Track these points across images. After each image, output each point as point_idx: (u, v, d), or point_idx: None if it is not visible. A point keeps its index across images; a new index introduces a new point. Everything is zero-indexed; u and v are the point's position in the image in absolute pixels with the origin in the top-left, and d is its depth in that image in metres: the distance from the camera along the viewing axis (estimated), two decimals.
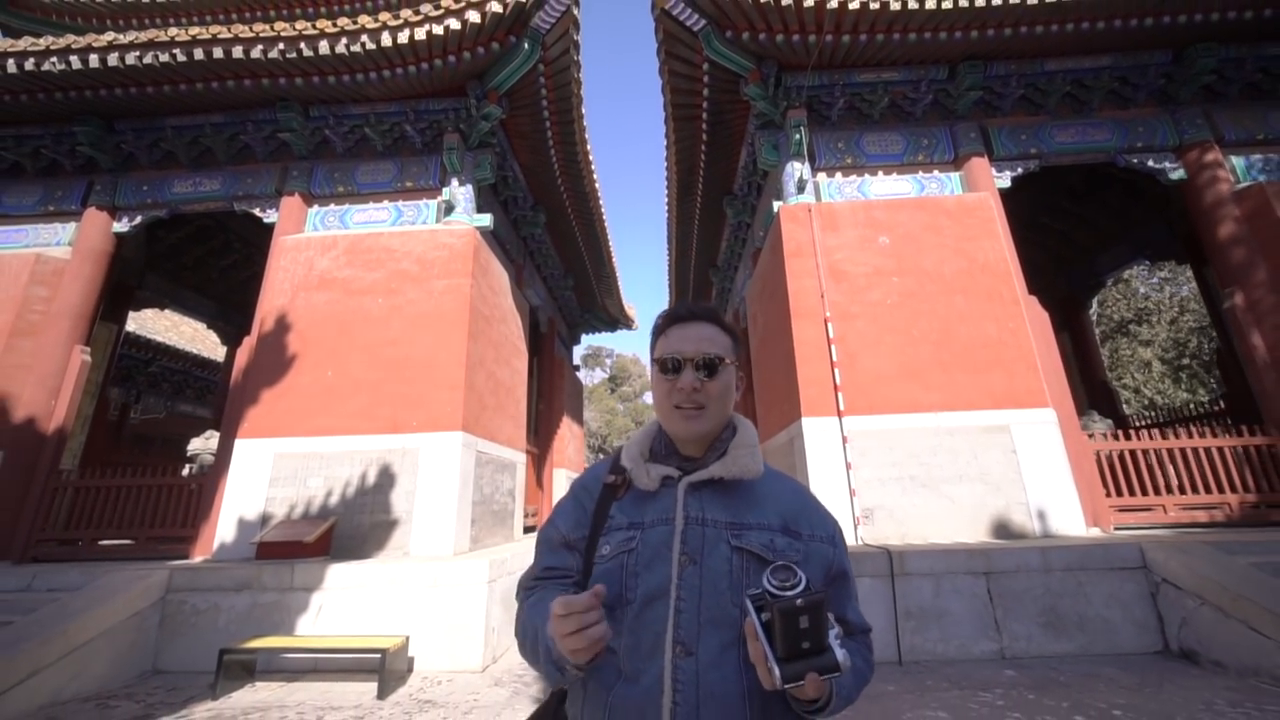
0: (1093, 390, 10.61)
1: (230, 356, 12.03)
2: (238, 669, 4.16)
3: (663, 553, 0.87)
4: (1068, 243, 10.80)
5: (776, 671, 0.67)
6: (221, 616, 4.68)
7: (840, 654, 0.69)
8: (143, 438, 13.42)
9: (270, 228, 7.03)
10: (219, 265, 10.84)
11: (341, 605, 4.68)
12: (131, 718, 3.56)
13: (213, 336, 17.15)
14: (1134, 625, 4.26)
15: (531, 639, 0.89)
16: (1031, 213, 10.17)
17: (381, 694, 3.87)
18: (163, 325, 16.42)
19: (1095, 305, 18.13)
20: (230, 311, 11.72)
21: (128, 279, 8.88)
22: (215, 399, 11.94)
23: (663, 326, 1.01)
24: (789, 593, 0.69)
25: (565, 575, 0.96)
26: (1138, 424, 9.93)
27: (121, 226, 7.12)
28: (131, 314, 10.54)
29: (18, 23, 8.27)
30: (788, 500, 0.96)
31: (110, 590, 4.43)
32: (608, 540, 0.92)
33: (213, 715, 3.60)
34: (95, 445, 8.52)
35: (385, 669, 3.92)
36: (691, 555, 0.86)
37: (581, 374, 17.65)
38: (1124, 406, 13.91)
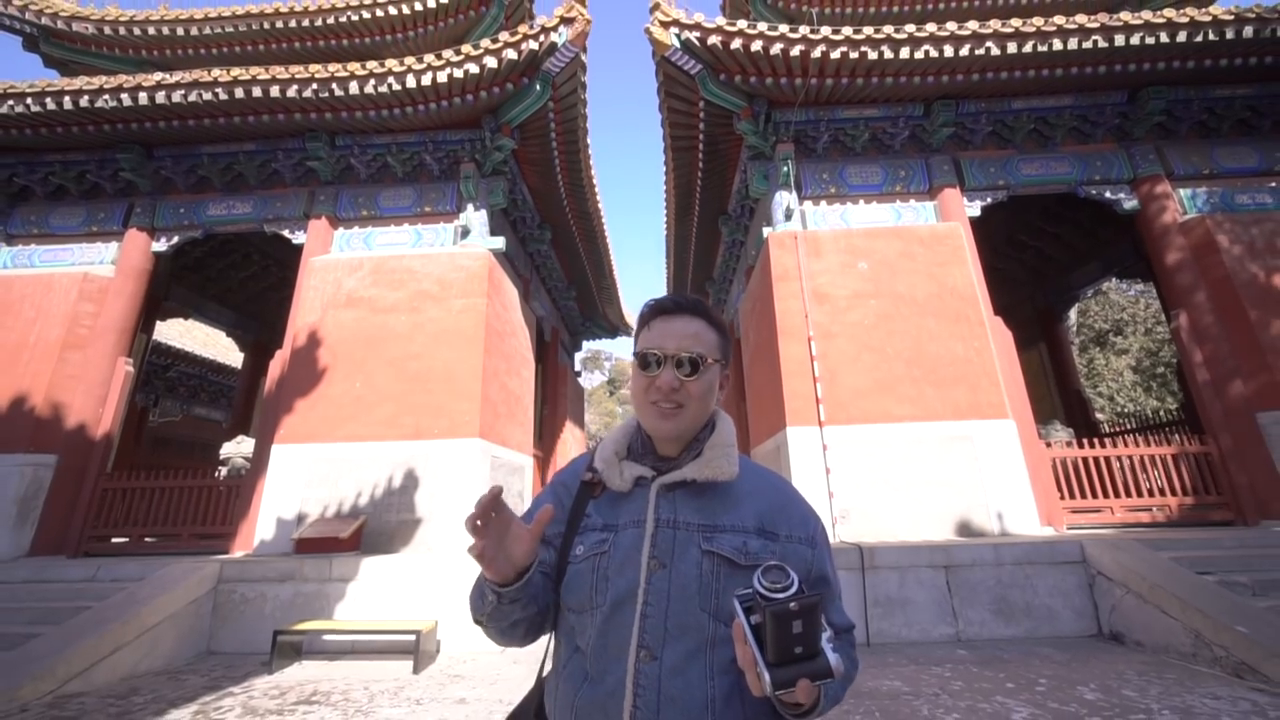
0: (1067, 398, 11.22)
1: (248, 363, 12.59)
2: (288, 649, 4.73)
3: (633, 556, 0.86)
4: (1044, 259, 11.41)
5: (766, 677, 0.64)
6: (268, 604, 5.25)
7: (834, 658, 0.66)
8: (161, 440, 13.96)
9: (290, 243, 7.64)
10: (238, 277, 11.39)
11: (374, 594, 5.26)
12: (202, 688, 4.12)
13: (223, 341, 17.73)
14: (1073, 612, 4.86)
15: (476, 587, 0.90)
16: (1010, 231, 10.80)
17: (416, 670, 4.44)
18: (176, 331, 16.93)
19: (1077, 316, 18.83)
20: (248, 320, 12.29)
21: (156, 291, 9.38)
22: (235, 403, 12.47)
23: (647, 317, 0.96)
24: (781, 595, 0.66)
25: (539, 566, 0.90)
26: (1108, 431, 10.57)
27: (160, 246, 7.69)
28: None
29: (59, 52, 8.82)
30: (767, 499, 0.92)
31: (171, 580, 5.00)
32: (582, 540, 0.91)
33: (272, 686, 4.17)
34: (124, 448, 9.07)
35: (419, 648, 4.50)
36: (661, 559, 0.85)
37: (581, 377, 18.23)
38: (1098, 414, 14.58)
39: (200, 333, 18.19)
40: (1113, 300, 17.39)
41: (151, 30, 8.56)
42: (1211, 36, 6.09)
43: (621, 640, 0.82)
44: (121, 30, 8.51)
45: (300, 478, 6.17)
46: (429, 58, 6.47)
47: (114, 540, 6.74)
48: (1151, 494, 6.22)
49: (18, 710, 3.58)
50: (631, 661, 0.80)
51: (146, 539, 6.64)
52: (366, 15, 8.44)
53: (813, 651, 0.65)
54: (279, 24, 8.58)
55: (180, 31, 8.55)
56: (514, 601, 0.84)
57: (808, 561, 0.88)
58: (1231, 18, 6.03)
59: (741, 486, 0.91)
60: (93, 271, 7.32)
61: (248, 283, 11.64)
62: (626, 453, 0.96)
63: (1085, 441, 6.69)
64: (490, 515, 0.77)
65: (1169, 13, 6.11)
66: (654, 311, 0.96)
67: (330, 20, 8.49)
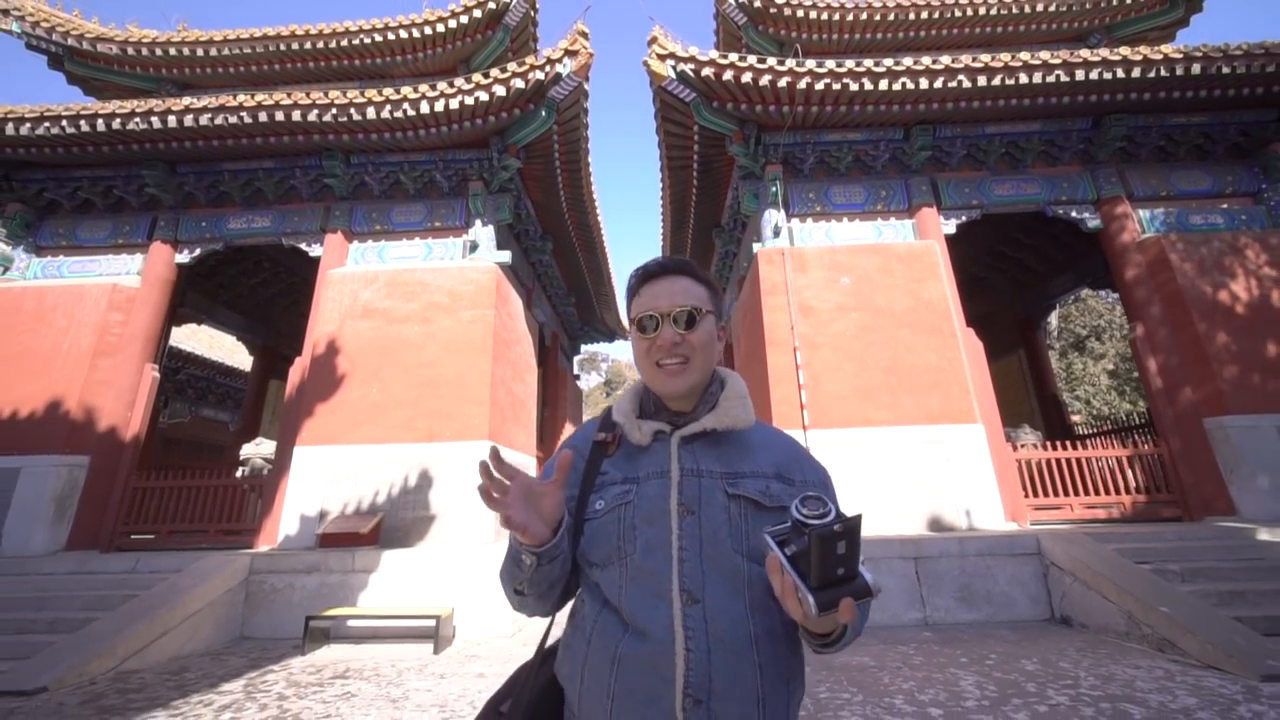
0: (1044, 402, 11.78)
1: (257, 366, 13.01)
2: (317, 634, 5.19)
3: (660, 505, 0.88)
4: (1023, 269, 11.96)
5: (810, 600, 0.65)
6: (295, 594, 5.71)
7: (870, 578, 0.67)
8: (170, 440, 14.32)
9: (301, 251, 8.09)
10: (249, 283, 11.79)
11: (393, 585, 5.73)
12: (245, 667, 4.58)
13: (227, 342, 18.10)
14: (1029, 599, 5.39)
15: (509, 558, 0.89)
16: (991, 243, 11.34)
17: (436, 651, 4.92)
18: (183, 333, 17.28)
19: (1059, 322, 19.46)
20: (257, 325, 12.70)
21: (174, 298, 9.81)
22: (244, 405, 12.86)
23: (635, 285, 0.99)
24: (822, 520, 0.67)
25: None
26: (1081, 433, 11.13)
27: (183, 258, 8.11)
28: None
29: (82, 70, 9.22)
30: (780, 450, 0.96)
31: (208, 571, 5.45)
32: (601, 496, 0.92)
33: (308, 665, 4.63)
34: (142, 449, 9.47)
35: (439, 632, 4.98)
36: (689, 506, 0.87)
37: (579, 379, 18.70)
38: (1075, 416, 15.19)
39: (205, 335, 18.52)
40: (1091, 307, 18.06)
41: (172, 51, 8.98)
42: (1164, 73, 6.63)
43: (658, 587, 0.83)
44: (144, 51, 8.92)
45: (321, 477, 6.62)
46: (441, 85, 6.93)
47: (143, 536, 7.16)
48: (1109, 492, 6.76)
49: (87, 683, 4.03)
50: (676, 607, 0.81)
51: (174, 534, 7.07)
52: (379, 38, 8.89)
53: (853, 573, 0.67)
54: (295, 45, 9.02)
55: (200, 52, 8.97)
56: (553, 560, 0.84)
57: None
58: (1181, 56, 6.57)
59: (756, 438, 0.96)
60: (121, 282, 7.73)
61: (258, 289, 12.05)
62: (639, 412, 0.98)
63: (1050, 444, 7.23)
64: (497, 478, 0.78)
65: (1124, 50, 6.64)
66: (641, 278, 0.99)
67: (344, 43, 8.94)
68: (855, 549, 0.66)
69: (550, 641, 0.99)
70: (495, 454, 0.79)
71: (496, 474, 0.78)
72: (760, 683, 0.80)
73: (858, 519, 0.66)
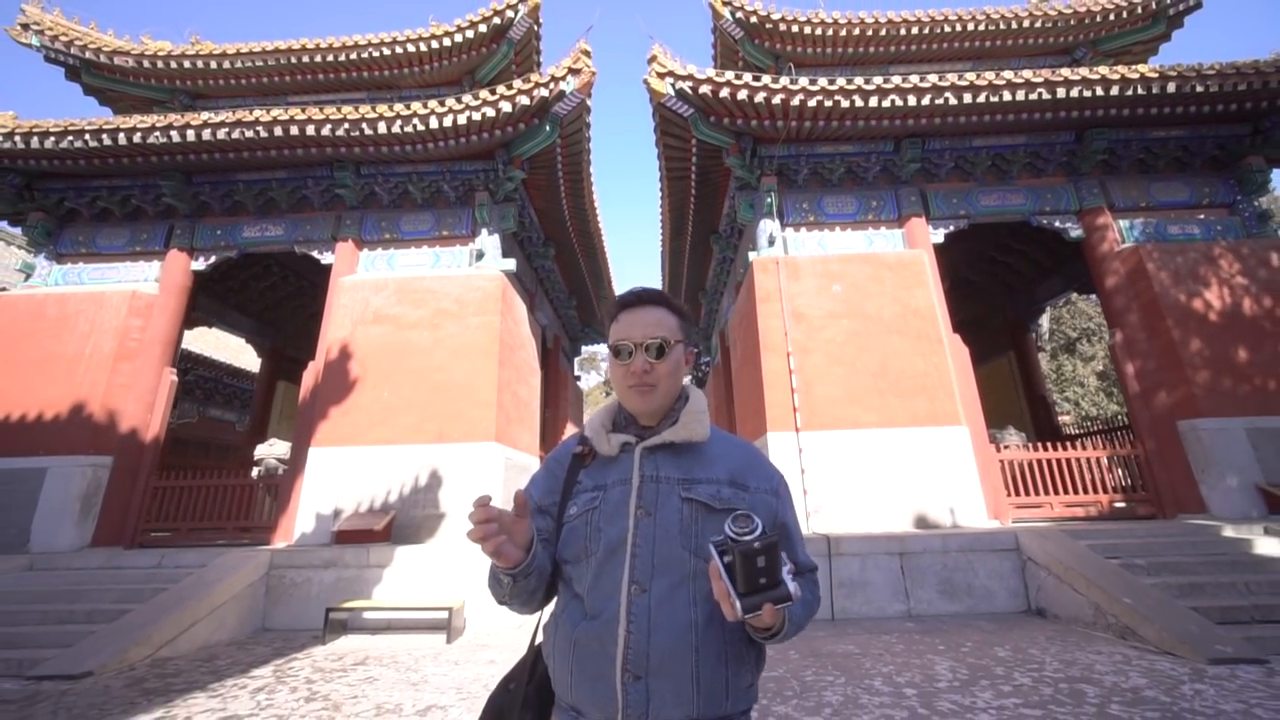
0: (1033, 403, 12.09)
1: (265, 368, 13.30)
2: (336, 625, 5.50)
3: (621, 508, 0.98)
4: (1014, 274, 12.27)
5: (738, 604, 0.77)
6: (313, 588, 6.01)
7: (792, 586, 0.78)
8: (179, 440, 14.58)
9: (310, 257, 8.39)
10: (258, 287, 12.09)
11: (406, 579, 6.03)
12: (270, 655, 4.88)
13: (231, 343, 18.41)
14: (1008, 592, 5.71)
15: (491, 577, 1.00)
16: (982, 248, 11.64)
17: (449, 641, 5.23)
18: (191, 335, 17.55)
19: (1050, 323, 19.74)
20: (265, 327, 13.00)
21: (188, 302, 10.12)
22: (253, 405, 13.16)
23: (614, 313, 1.09)
24: (748, 537, 0.78)
25: (538, 535, 1.01)
26: (1068, 434, 11.44)
27: (199, 265, 8.40)
28: None
29: (98, 82, 9.49)
30: (736, 458, 1.05)
31: (231, 566, 5.75)
32: (574, 502, 1.03)
33: (330, 653, 4.94)
34: None
35: (451, 624, 5.29)
36: (647, 508, 0.97)
37: (580, 380, 19.00)
38: (1065, 417, 15.52)
39: (212, 336, 18.80)
40: (1081, 309, 18.39)
41: (186, 64, 9.25)
42: (1140, 91, 6.94)
43: (615, 579, 0.94)
44: (159, 63, 9.20)
45: (336, 477, 6.92)
46: (450, 101, 7.22)
47: (162, 533, 7.46)
48: (1088, 491, 7.08)
49: (127, 669, 4.34)
50: (624, 595, 0.92)
51: (193, 531, 7.37)
52: (386, 51, 9.17)
53: (775, 581, 0.77)
54: (305, 59, 9.29)
55: (213, 65, 9.25)
56: (527, 575, 0.95)
57: (773, 508, 1.02)
58: (1156, 75, 6.87)
59: (714, 449, 1.05)
60: (140, 289, 8.02)
61: (266, 292, 12.35)
62: (612, 426, 1.09)
63: (1033, 445, 7.55)
64: (491, 524, 0.87)
65: (1103, 69, 6.95)
66: (619, 307, 1.09)
67: (353, 56, 9.22)
68: (775, 562, 0.78)
69: (540, 637, 1.11)
70: (487, 502, 0.88)
71: (483, 519, 0.88)
72: (696, 663, 0.90)
73: (775, 539, 0.78)
